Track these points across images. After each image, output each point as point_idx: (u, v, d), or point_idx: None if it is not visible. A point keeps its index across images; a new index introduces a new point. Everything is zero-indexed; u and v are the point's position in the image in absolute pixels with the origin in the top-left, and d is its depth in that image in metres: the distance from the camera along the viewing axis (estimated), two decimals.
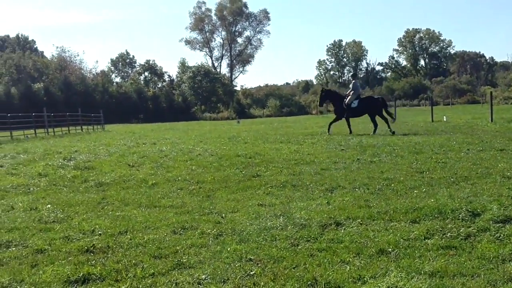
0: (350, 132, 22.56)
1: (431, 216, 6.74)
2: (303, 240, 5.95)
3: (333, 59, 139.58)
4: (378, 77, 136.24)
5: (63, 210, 8.13)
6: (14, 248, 6.11)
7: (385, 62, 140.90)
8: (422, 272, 4.78)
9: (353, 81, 24.27)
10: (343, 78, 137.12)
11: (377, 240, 5.79)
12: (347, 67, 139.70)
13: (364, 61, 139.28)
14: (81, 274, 5.01)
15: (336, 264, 5.07)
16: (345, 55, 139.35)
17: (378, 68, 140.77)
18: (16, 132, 31.10)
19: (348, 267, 4.99)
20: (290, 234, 6.20)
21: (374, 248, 5.50)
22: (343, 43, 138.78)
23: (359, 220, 6.72)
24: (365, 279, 4.68)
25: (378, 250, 5.42)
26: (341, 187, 9.15)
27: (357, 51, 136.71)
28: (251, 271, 4.96)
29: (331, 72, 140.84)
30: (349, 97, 23.05)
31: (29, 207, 8.40)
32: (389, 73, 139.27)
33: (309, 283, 4.62)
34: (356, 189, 8.91)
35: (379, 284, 4.52)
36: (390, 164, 11.73)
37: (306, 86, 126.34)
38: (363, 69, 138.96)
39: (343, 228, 6.43)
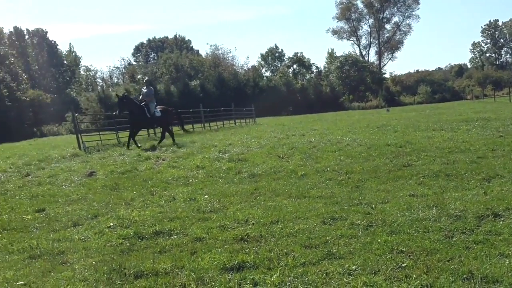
0: (136, 145, 19.62)
1: None
2: (458, 232, 5.73)
3: (488, 41, 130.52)
4: None
5: (219, 200, 8.58)
6: (175, 236, 6.59)
7: None
8: None
9: (147, 88, 21.35)
10: (500, 60, 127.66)
11: None
12: (505, 48, 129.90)
13: None
14: (236, 261, 5.27)
15: (494, 257, 4.83)
16: (502, 35, 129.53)
17: None
18: (176, 127, 33.13)
19: (507, 260, 4.73)
20: (444, 225, 6.00)
21: None
22: (499, 23, 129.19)
23: None
24: None
25: None
26: (499, 176, 8.64)
27: None
28: (403, 263, 4.89)
29: (487, 55, 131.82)
30: (151, 105, 20.55)
31: (188, 198, 8.96)
32: None
33: (464, 276, 4.45)
34: None
35: None
36: None
37: (460, 70, 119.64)
38: None
39: (502, 219, 6.08)
